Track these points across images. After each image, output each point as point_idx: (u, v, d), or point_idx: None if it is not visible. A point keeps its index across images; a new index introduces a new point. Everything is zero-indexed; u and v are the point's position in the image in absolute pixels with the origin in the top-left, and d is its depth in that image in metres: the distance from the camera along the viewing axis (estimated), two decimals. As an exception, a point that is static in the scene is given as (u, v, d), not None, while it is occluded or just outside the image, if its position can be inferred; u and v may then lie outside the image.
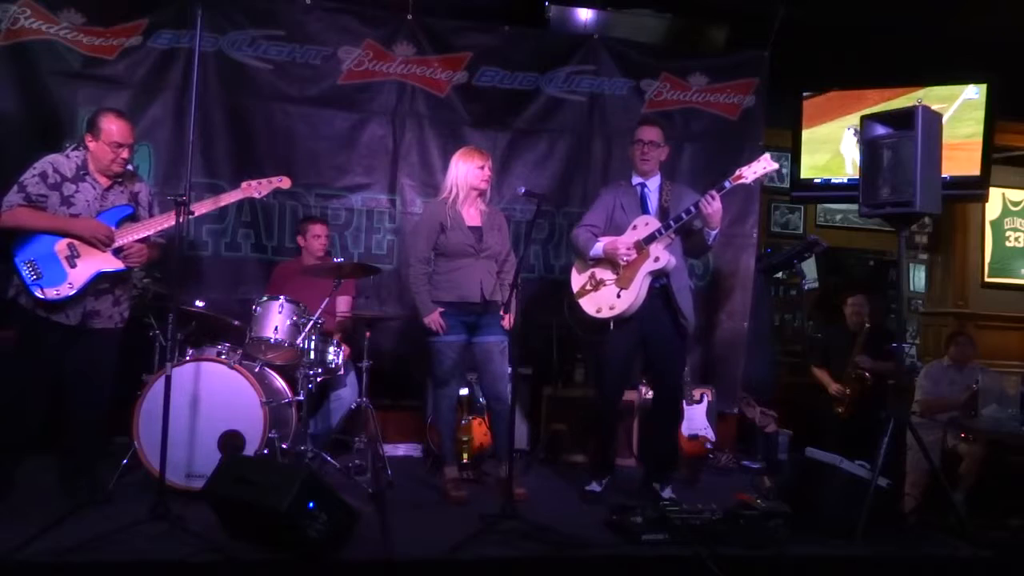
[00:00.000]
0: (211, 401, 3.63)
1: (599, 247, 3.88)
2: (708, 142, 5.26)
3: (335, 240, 4.76)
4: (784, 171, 6.15)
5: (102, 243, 3.32)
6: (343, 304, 4.40)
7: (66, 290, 3.28)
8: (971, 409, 4.57)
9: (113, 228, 3.37)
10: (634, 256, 3.79)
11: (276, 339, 3.82)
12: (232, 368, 3.67)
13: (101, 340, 3.45)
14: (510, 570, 3.01)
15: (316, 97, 4.79)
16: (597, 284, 3.91)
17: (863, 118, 3.76)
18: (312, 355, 3.87)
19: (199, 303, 4.10)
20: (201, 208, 3.56)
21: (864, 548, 3.28)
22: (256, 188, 3.68)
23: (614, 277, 3.86)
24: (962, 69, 5.12)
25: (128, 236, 3.39)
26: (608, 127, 5.15)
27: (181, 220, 3.16)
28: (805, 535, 3.33)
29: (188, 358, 3.74)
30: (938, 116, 3.61)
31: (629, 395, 4.41)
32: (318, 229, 4.48)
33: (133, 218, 3.47)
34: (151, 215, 3.55)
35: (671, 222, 3.75)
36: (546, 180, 5.05)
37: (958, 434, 4.66)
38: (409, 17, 4.87)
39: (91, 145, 3.40)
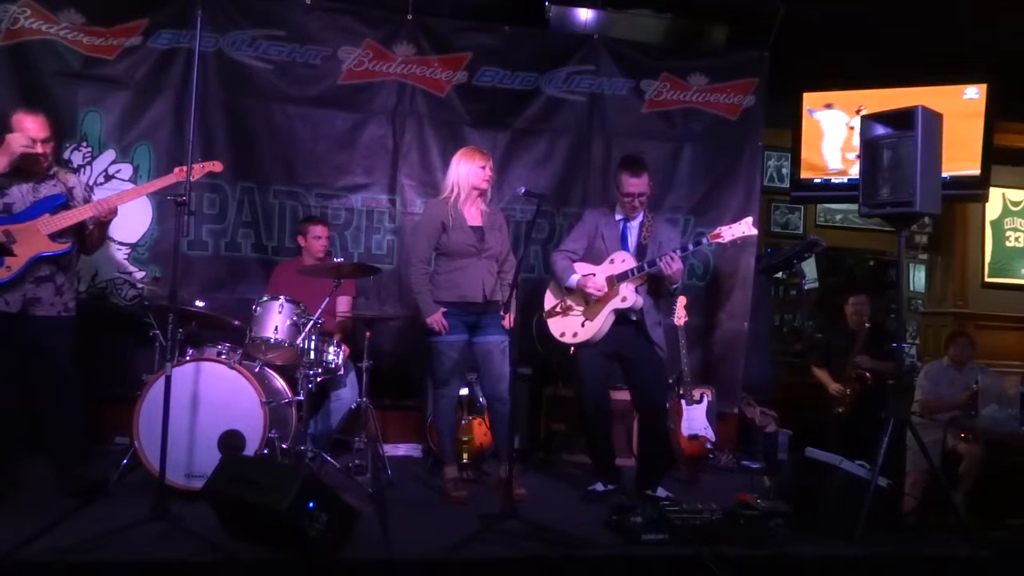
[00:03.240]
0: (211, 401, 3.63)
1: (574, 279, 3.94)
2: (708, 142, 5.27)
3: (335, 240, 4.76)
4: (784, 171, 6.15)
5: None
6: (343, 304, 4.40)
7: (3, 274, 3.33)
8: (971, 409, 4.56)
9: (21, 224, 3.38)
10: (605, 292, 3.86)
11: (276, 339, 3.82)
12: (232, 368, 3.67)
13: (47, 328, 3.47)
14: (510, 570, 3.01)
15: (316, 97, 4.79)
16: (566, 310, 4.02)
17: (863, 118, 3.76)
18: (312, 355, 3.86)
19: (199, 303, 4.11)
20: (129, 196, 3.58)
21: (864, 548, 3.27)
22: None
23: (582, 308, 3.96)
24: (962, 69, 5.12)
25: (64, 222, 3.43)
26: (608, 127, 5.15)
27: (183, 220, 3.15)
28: (805, 535, 3.33)
29: (188, 358, 3.74)
30: (938, 116, 3.60)
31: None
32: (319, 230, 4.48)
33: (67, 207, 3.50)
34: None
35: (644, 265, 3.81)
36: (546, 180, 5.05)
37: (958, 434, 4.66)
38: (409, 17, 4.87)
39: None
